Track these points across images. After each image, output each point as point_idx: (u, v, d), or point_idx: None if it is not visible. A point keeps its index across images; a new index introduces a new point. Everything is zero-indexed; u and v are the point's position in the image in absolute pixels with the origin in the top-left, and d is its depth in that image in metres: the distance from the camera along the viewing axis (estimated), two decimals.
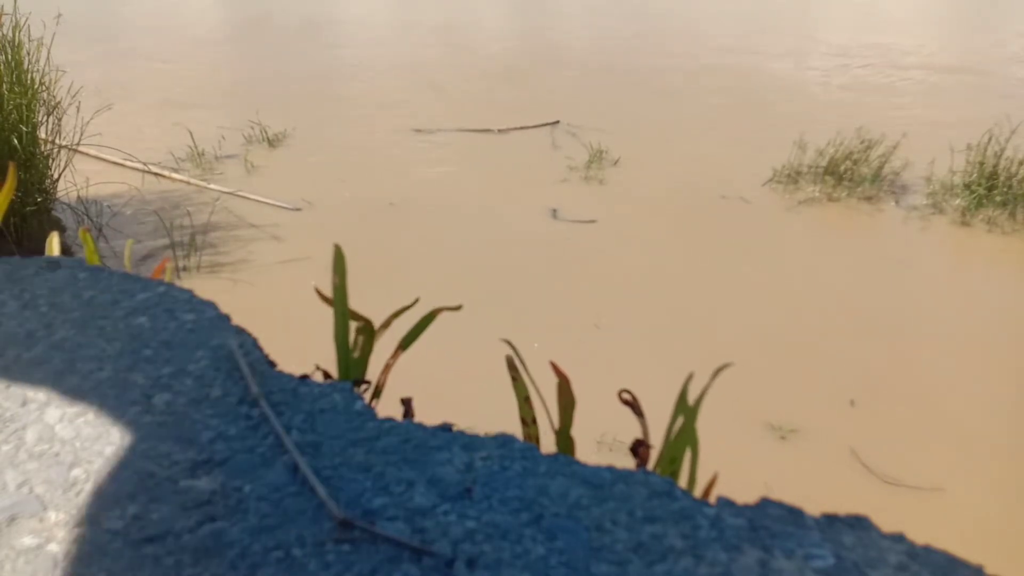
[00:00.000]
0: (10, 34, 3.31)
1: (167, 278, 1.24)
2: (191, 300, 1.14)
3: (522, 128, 5.17)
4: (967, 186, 4.07)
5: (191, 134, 4.63)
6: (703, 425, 1.02)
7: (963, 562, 0.73)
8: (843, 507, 0.79)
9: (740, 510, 0.79)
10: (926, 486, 2.23)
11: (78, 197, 3.76)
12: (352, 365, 1.15)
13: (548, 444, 1.10)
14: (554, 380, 1.14)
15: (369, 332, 1.15)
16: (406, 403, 1.17)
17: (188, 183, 4.22)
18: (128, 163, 4.34)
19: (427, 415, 1.04)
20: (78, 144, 3.64)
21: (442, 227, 3.81)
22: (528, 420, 1.17)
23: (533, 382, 1.18)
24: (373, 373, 1.17)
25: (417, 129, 5.09)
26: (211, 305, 1.13)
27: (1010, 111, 4.62)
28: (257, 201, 4.01)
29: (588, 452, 2.21)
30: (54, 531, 0.78)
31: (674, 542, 0.75)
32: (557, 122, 5.27)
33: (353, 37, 8.14)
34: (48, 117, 3.50)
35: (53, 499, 0.81)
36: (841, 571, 0.71)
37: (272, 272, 3.36)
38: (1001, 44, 8.17)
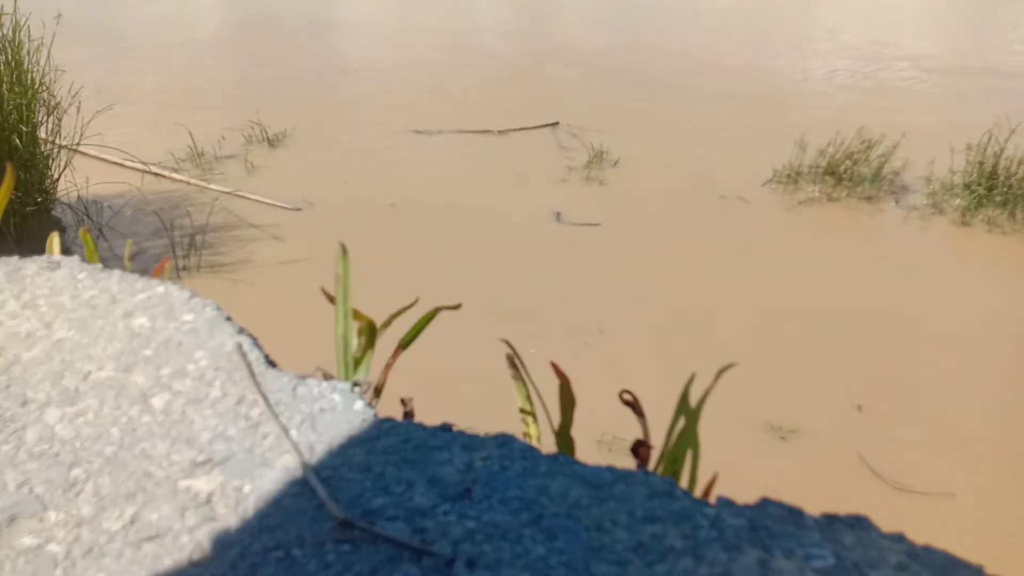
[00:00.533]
0: (10, 34, 3.31)
1: (167, 278, 1.24)
2: (191, 300, 1.14)
3: (522, 129, 5.17)
4: (967, 186, 4.07)
5: (191, 134, 4.63)
6: (704, 425, 1.02)
7: (963, 562, 0.73)
8: (851, 510, 0.79)
9: (740, 510, 0.79)
10: (935, 491, 2.22)
11: (78, 197, 3.76)
12: (352, 365, 1.15)
13: (548, 444, 1.10)
14: (554, 380, 1.14)
15: (370, 332, 1.15)
16: (406, 403, 1.17)
17: (188, 183, 4.22)
18: (128, 163, 4.34)
19: (427, 415, 1.04)
20: (78, 144, 3.64)
21: (443, 228, 3.81)
22: (528, 420, 1.17)
23: (533, 384, 1.18)
24: (374, 373, 1.17)
25: (417, 130, 5.09)
26: (211, 305, 1.13)
27: (1010, 111, 4.62)
28: (257, 201, 4.01)
29: (588, 452, 2.21)
30: (54, 531, 0.78)
31: (674, 542, 0.75)
32: (557, 123, 5.27)
33: (354, 38, 8.15)
34: (48, 117, 3.50)
35: (53, 499, 0.81)
36: (841, 571, 0.71)
37: (272, 272, 3.35)
38: (1001, 44, 8.17)
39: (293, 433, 0.90)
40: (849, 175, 4.28)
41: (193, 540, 0.76)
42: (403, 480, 0.83)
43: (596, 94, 6.17)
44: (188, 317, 1.10)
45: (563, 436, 1.13)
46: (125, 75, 5.90)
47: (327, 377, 1.09)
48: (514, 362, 1.17)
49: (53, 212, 3.67)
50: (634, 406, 1.11)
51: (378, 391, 1.16)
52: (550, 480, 0.83)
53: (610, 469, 0.85)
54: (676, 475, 1.03)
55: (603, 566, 0.73)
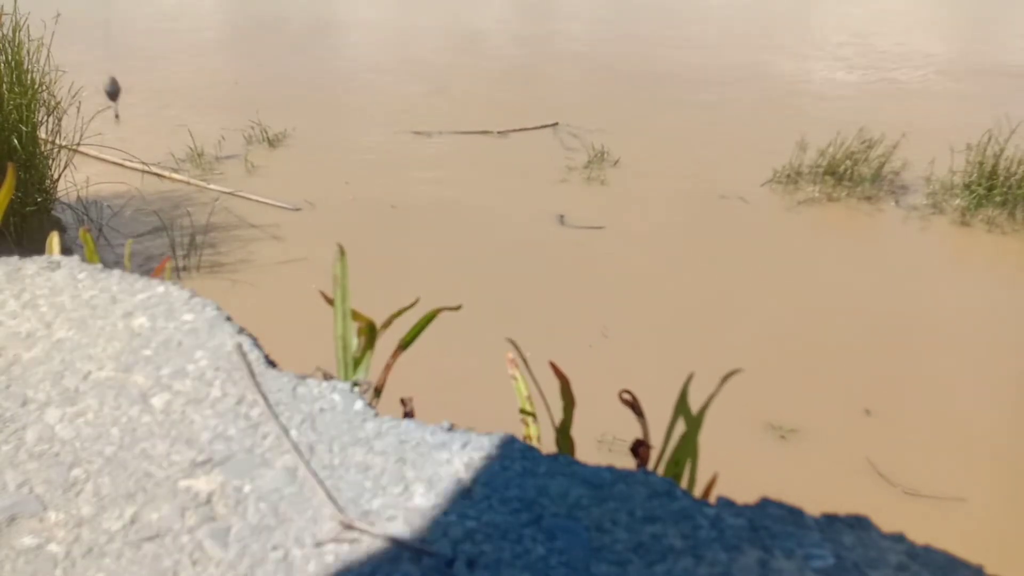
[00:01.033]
0: (10, 34, 3.31)
1: (167, 278, 1.24)
2: (191, 300, 1.14)
3: (522, 130, 5.17)
4: (967, 186, 4.07)
5: (191, 134, 4.63)
6: (709, 427, 1.02)
7: (963, 562, 0.73)
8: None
9: (740, 510, 0.79)
10: (947, 495, 2.20)
11: (78, 197, 3.76)
12: (352, 365, 1.15)
13: (548, 444, 1.10)
14: (554, 381, 1.14)
15: (370, 332, 1.15)
16: (406, 403, 1.17)
17: (188, 183, 4.22)
18: (128, 163, 4.34)
19: (427, 415, 1.04)
20: (78, 144, 3.64)
21: (443, 229, 3.81)
22: (528, 420, 1.17)
23: (536, 383, 1.18)
24: (373, 373, 1.17)
25: (416, 131, 5.09)
26: (211, 305, 1.13)
27: (1010, 111, 4.62)
28: (257, 201, 4.01)
29: (588, 452, 2.21)
30: (54, 531, 0.78)
31: (674, 542, 0.75)
32: (556, 124, 5.26)
33: (354, 39, 8.15)
34: (48, 117, 3.50)
35: (53, 499, 0.81)
36: (841, 571, 0.71)
37: (272, 272, 3.35)
38: (1001, 44, 8.17)
39: (293, 433, 0.90)
40: (849, 175, 4.28)
41: (193, 540, 0.77)
42: (403, 480, 0.83)
43: (596, 94, 6.17)
44: (188, 317, 1.10)
45: (563, 436, 1.13)
46: (125, 76, 5.90)
47: (327, 377, 1.09)
48: (515, 364, 1.17)
49: (53, 212, 3.67)
50: (634, 406, 1.11)
51: (378, 391, 1.16)
52: (550, 480, 0.83)
53: (610, 469, 0.85)
54: (676, 475, 1.03)
55: (603, 566, 0.73)
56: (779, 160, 4.42)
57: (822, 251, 3.75)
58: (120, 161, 4.36)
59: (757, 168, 4.46)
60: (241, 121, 5.00)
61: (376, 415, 0.94)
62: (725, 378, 1.01)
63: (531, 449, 0.89)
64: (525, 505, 0.80)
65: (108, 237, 3.60)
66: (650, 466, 1.07)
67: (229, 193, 4.09)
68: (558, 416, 1.14)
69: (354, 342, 1.16)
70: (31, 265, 1.25)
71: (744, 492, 0.84)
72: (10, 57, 3.31)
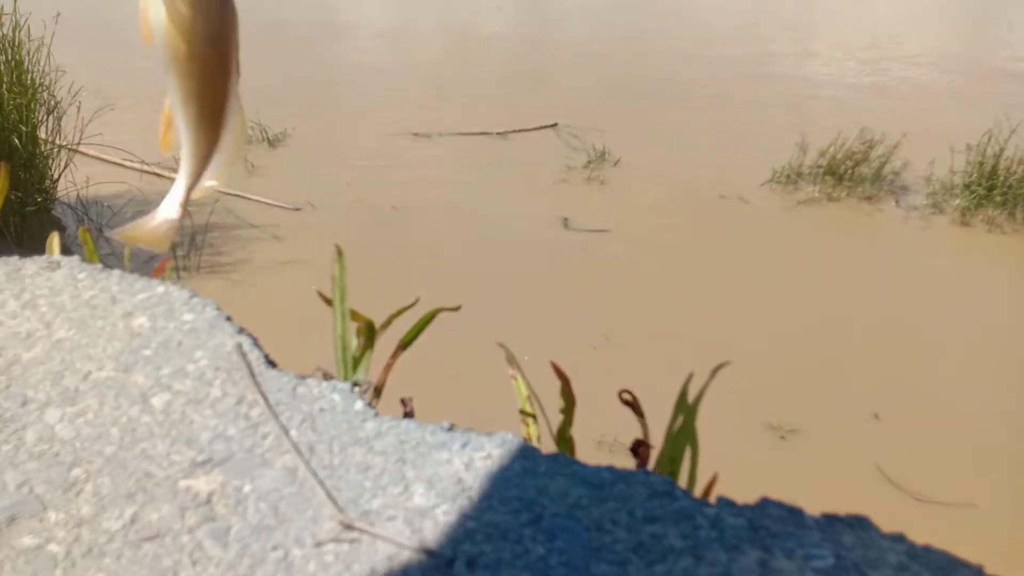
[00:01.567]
0: (10, 34, 3.31)
1: (167, 278, 1.24)
2: (191, 300, 1.14)
3: (521, 131, 5.17)
4: (967, 186, 4.07)
5: None
6: (706, 425, 1.02)
7: (963, 562, 0.73)
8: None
9: (740, 510, 0.79)
10: (959, 501, 2.19)
11: (78, 197, 3.76)
12: (352, 365, 1.15)
13: (548, 444, 1.10)
14: (554, 381, 1.14)
15: (369, 332, 1.15)
16: (406, 403, 1.17)
17: None
18: (128, 163, 4.34)
19: (427, 415, 1.04)
20: (78, 144, 3.64)
21: (444, 230, 3.81)
22: (528, 420, 1.17)
23: (535, 382, 1.18)
24: (373, 373, 1.17)
25: (415, 133, 5.09)
26: (211, 305, 1.13)
27: (1010, 111, 4.62)
28: (257, 201, 4.01)
29: (588, 452, 2.21)
30: (54, 531, 0.78)
31: (674, 542, 0.75)
32: (555, 124, 5.26)
33: (354, 40, 8.14)
34: (48, 117, 3.49)
35: (53, 499, 0.81)
36: (841, 571, 0.71)
37: (272, 272, 3.35)
38: (1001, 44, 8.17)
39: (293, 433, 0.90)
40: (850, 175, 4.28)
41: (193, 540, 0.77)
42: (403, 480, 0.83)
43: (595, 95, 6.17)
44: (188, 317, 1.10)
45: (563, 436, 1.13)
46: (126, 76, 5.90)
47: (327, 377, 1.09)
48: (515, 364, 1.17)
49: (53, 212, 3.67)
50: (633, 406, 1.11)
51: (378, 391, 1.16)
52: (550, 480, 0.83)
53: (610, 469, 0.85)
54: (673, 470, 1.03)
55: (603, 566, 0.73)
56: (779, 160, 4.42)
57: (823, 251, 3.75)
58: (120, 161, 4.36)
59: (757, 168, 4.46)
60: None
61: (376, 415, 0.94)
62: (715, 371, 1.01)
63: (531, 449, 0.89)
64: (525, 505, 0.80)
65: (108, 237, 3.60)
66: (650, 466, 1.07)
67: (229, 193, 4.09)
68: (558, 416, 1.14)
69: (353, 342, 1.16)
70: (31, 265, 1.25)
71: (746, 493, 0.84)
72: (10, 57, 3.31)
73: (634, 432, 1.10)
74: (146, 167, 4.32)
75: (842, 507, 0.79)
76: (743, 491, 0.85)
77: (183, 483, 0.83)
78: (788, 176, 4.35)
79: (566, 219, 3.83)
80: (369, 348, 1.16)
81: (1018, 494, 2.24)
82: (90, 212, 3.76)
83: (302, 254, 3.50)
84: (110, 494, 0.82)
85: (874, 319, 3.11)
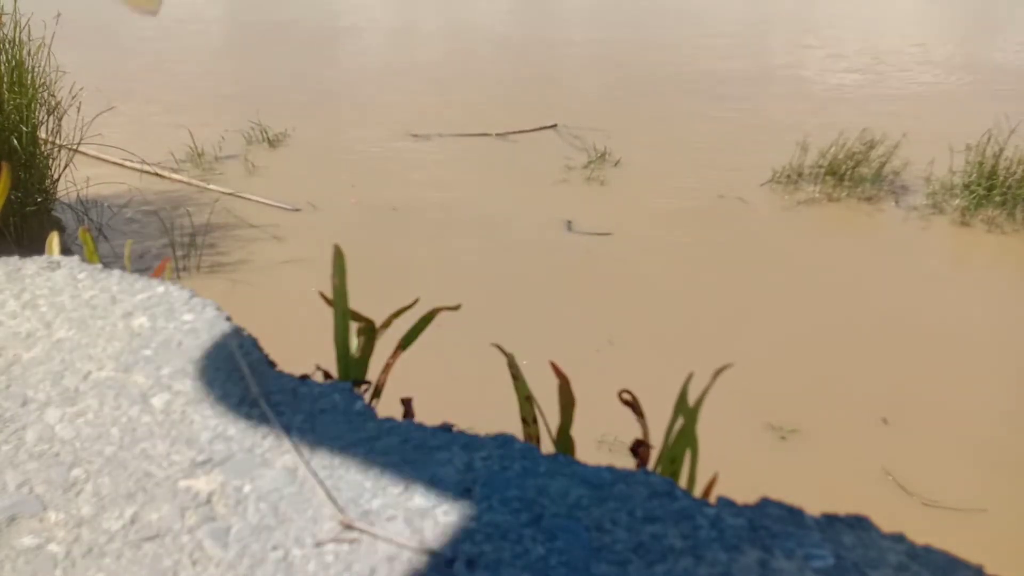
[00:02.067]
0: (11, 34, 3.31)
1: (167, 278, 1.24)
2: (191, 300, 1.14)
3: (520, 132, 5.17)
4: (967, 186, 4.07)
5: (191, 134, 4.63)
6: (707, 426, 1.02)
7: (963, 562, 0.73)
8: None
9: (740, 510, 0.79)
10: (968, 507, 2.18)
11: (78, 197, 3.76)
12: (352, 365, 1.15)
13: (548, 444, 1.10)
14: (554, 381, 1.14)
15: (370, 332, 1.15)
16: (406, 403, 1.17)
17: (188, 183, 4.22)
18: (128, 163, 4.34)
19: (427, 415, 1.04)
20: (78, 144, 3.64)
21: (444, 231, 3.81)
22: (528, 420, 1.17)
23: (531, 382, 1.18)
24: (373, 373, 1.17)
25: (414, 134, 5.09)
26: (211, 305, 1.13)
27: (1010, 111, 4.62)
28: (257, 202, 4.01)
29: (588, 452, 2.21)
30: (54, 531, 0.78)
31: (674, 542, 0.75)
32: (555, 125, 5.26)
33: (353, 42, 8.14)
34: (49, 117, 3.50)
35: (53, 499, 0.81)
36: (841, 571, 0.71)
37: (272, 272, 3.35)
38: (1001, 44, 8.17)
39: (293, 433, 0.90)
40: (850, 175, 4.28)
41: (193, 540, 0.77)
42: (403, 480, 0.83)
43: (595, 95, 6.17)
44: (188, 317, 1.10)
45: (563, 436, 1.13)
46: (126, 76, 5.91)
47: (327, 377, 1.09)
48: (515, 364, 1.17)
49: (53, 212, 3.67)
50: (633, 406, 1.11)
51: (378, 391, 1.16)
52: (550, 480, 0.83)
53: (610, 469, 0.85)
54: (676, 475, 1.03)
55: (603, 566, 0.73)
56: (779, 160, 4.42)
57: (823, 251, 3.75)
58: (120, 161, 4.36)
59: (757, 168, 4.46)
60: (241, 122, 5.00)
61: (376, 415, 0.94)
62: (717, 373, 1.01)
63: (531, 449, 0.89)
64: (525, 505, 0.80)
65: (108, 237, 3.60)
66: (650, 466, 1.07)
67: (229, 193, 4.09)
68: (558, 416, 1.14)
69: (354, 342, 1.16)
70: (31, 265, 1.25)
71: (746, 493, 0.84)
72: (10, 57, 3.31)
73: (634, 432, 1.10)
74: (146, 167, 4.32)
75: (843, 507, 0.79)
76: (743, 491, 0.85)
77: (183, 483, 0.83)
78: (788, 176, 4.35)
79: (569, 222, 3.83)
80: (369, 348, 1.16)
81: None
82: (90, 212, 3.76)
83: (302, 254, 3.50)
84: (110, 494, 0.82)
85: (874, 319, 3.11)
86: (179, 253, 3.44)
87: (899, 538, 0.75)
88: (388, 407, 1.06)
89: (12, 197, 3.24)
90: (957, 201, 4.06)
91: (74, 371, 1.00)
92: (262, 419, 0.92)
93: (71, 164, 3.67)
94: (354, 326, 1.16)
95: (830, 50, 7.73)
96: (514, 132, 5.17)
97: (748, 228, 3.90)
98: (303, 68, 6.82)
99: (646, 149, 4.88)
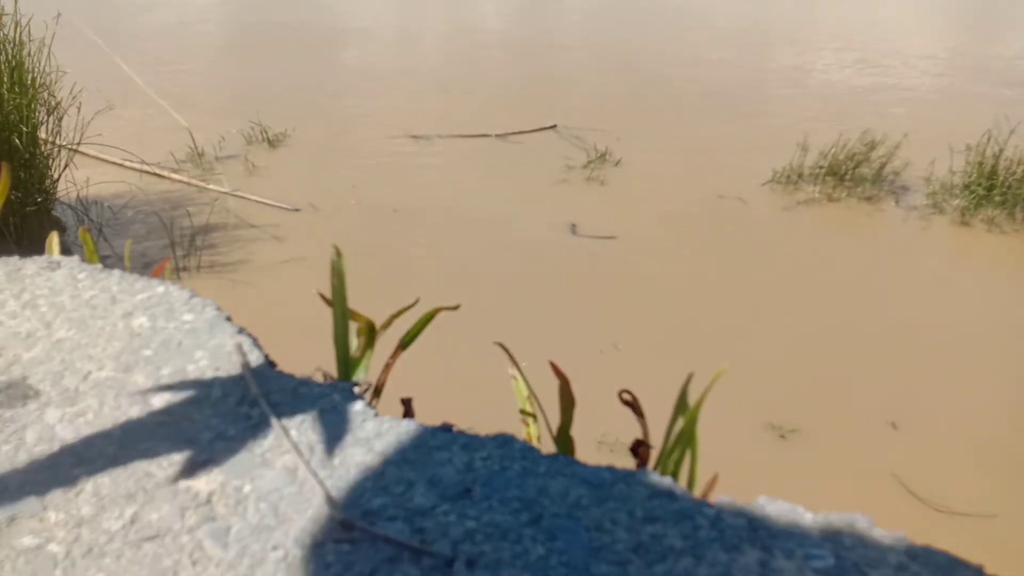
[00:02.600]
0: (11, 34, 3.30)
1: (167, 278, 1.24)
2: (191, 300, 1.14)
3: (520, 133, 5.16)
4: (967, 186, 4.07)
5: (191, 135, 4.63)
6: (710, 428, 1.02)
7: (963, 562, 0.73)
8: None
9: (740, 510, 0.79)
10: (979, 512, 2.17)
11: (78, 197, 3.76)
12: (352, 365, 1.15)
13: (548, 444, 1.10)
14: (554, 381, 1.14)
15: (369, 332, 1.15)
16: (406, 403, 1.17)
17: (188, 183, 4.22)
18: (128, 163, 4.34)
19: (427, 415, 1.04)
20: (78, 144, 3.64)
21: (445, 232, 3.81)
22: (528, 420, 1.17)
23: (531, 382, 1.18)
24: (373, 373, 1.17)
25: (414, 135, 5.09)
26: (211, 305, 1.13)
27: (1009, 111, 4.62)
28: (257, 202, 4.01)
29: (588, 452, 2.21)
30: (54, 531, 0.78)
31: (674, 542, 0.75)
32: (555, 126, 5.26)
33: (353, 43, 8.14)
34: (49, 117, 3.49)
35: (53, 499, 0.81)
36: (841, 571, 0.71)
37: (272, 272, 3.35)
38: (1001, 44, 8.17)
39: (293, 433, 0.90)
40: (850, 176, 4.28)
41: (193, 540, 0.77)
42: (403, 480, 0.83)
43: (595, 95, 6.17)
44: (188, 317, 1.10)
45: (563, 436, 1.13)
46: (126, 77, 5.90)
47: (327, 377, 1.09)
48: (515, 363, 1.17)
49: (53, 212, 3.67)
50: (633, 406, 1.11)
51: (378, 391, 1.16)
52: (550, 480, 0.83)
53: (610, 469, 0.85)
54: (676, 475, 1.03)
55: (603, 566, 0.73)
56: (779, 160, 4.42)
57: (823, 251, 3.75)
58: (120, 161, 4.36)
59: (757, 168, 4.46)
60: (241, 122, 5.01)
61: (376, 415, 0.94)
62: (716, 376, 1.01)
63: (531, 449, 0.89)
64: (525, 505, 0.80)
65: (108, 237, 3.60)
66: (650, 466, 1.07)
67: (229, 193, 4.09)
68: (558, 417, 1.14)
69: (353, 342, 1.16)
70: (31, 265, 1.25)
71: (746, 493, 0.84)
72: (10, 57, 3.31)
73: (634, 432, 1.10)
74: (146, 167, 4.31)
75: (845, 507, 0.79)
76: (743, 491, 0.85)
77: (183, 483, 0.83)
78: (788, 177, 4.35)
79: (573, 225, 3.82)
80: (369, 348, 1.16)
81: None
82: (90, 212, 3.76)
83: (302, 254, 3.50)
84: (110, 494, 0.82)
85: (873, 318, 3.11)
86: (179, 253, 3.44)
87: (899, 538, 0.75)
88: (388, 407, 1.06)
89: (12, 197, 3.23)
90: (957, 201, 4.06)
91: (74, 371, 1.00)
92: (262, 419, 0.92)
93: (71, 164, 3.67)
94: (354, 326, 1.16)
95: (830, 50, 7.73)
96: (514, 133, 5.16)
97: (748, 228, 3.90)
98: (302, 68, 6.82)
99: (646, 149, 4.88)
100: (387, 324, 1.20)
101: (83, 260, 1.28)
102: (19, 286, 1.19)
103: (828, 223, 4.03)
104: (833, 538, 0.75)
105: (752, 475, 2.20)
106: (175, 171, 4.35)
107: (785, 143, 4.54)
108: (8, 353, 1.03)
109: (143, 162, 4.33)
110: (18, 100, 3.30)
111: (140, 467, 0.85)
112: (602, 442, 2.30)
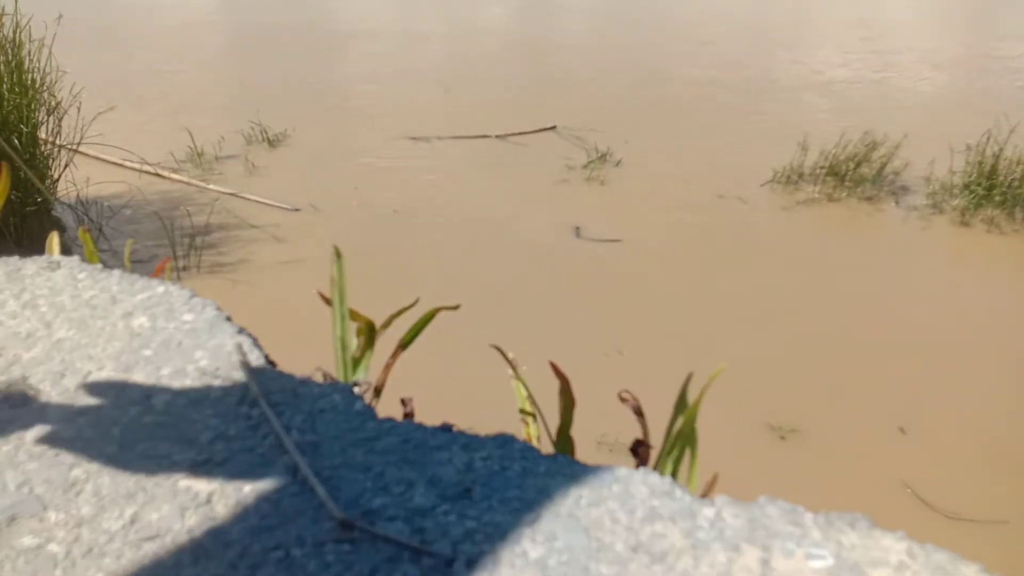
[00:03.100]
0: (11, 34, 3.31)
1: (167, 278, 1.24)
2: (191, 300, 1.14)
3: (520, 134, 5.16)
4: (966, 186, 4.07)
5: (191, 135, 4.63)
6: (710, 428, 1.02)
7: (963, 560, 0.73)
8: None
9: (740, 510, 0.79)
10: (990, 518, 2.15)
11: (78, 197, 3.76)
12: (352, 365, 1.15)
13: (548, 444, 1.10)
14: (554, 381, 1.14)
15: (369, 333, 1.16)
16: (406, 403, 1.17)
17: (188, 183, 4.22)
18: (128, 163, 4.34)
19: (427, 415, 1.04)
20: (78, 144, 3.64)
21: (445, 233, 3.81)
22: (528, 420, 1.17)
23: (529, 383, 1.18)
24: (374, 374, 1.17)
25: (414, 137, 5.09)
26: (211, 305, 1.13)
27: (1009, 111, 4.62)
28: (256, 202, 4.01)
29: (588, 452, 2.21)
30: (54, 531, 0.78)
31: (674, 542, 0.75)
32: (555, 127, 5.26)
33: (355, 45, 8.14)
34: (49, 117, 3.49)
35: (53, 499, 0.81)
36: (841, 571, 0.71)
37: (272, 272, 3.35)
38: (1001, 44, 8.17)
39: (293, 433, 0.90)
40: (851, 176, 4.28)
41: (193, 540, 0.77)
42: (403, 480, 0.83)
43: (596, 96, 6.17)
44: (188, 317, 1.10)
45: (563, 436, 1.13)
46: (126, 77, 5.91)
47: (327, 377, 1.09)
48: (515, 364, 1.17)
49: (53, 212, 3.67)
50: (633, 406, 1.11)
51: (378, 391, 1.16)
52: (550, 480, 0.83)
53: (610, 469, 0.85)
54: (675, 475, 1.03)
55: (603, 566, 0.73)
56: (779, 160, 4.42)
57: (823, 252, 3.75)
58: (120, 161, 4.36)
59: (757, 168, 4.46)
60: (241, 122, 5.00)
61: (376, 415, 0.94)
62: (713, 376, 1.01)
63: (531, 449, 0.89)
64: (525, 505, 0.80)
65: (108, 237, 3.60)
66: (650, 466, 1.07)
67: (229, 193, 4.09)
68: (558, 417, 1.14)
69: (353, 343, 1.16)
70: (31, 265, 1.25)
71: (746, 493, 0.84)
72: (11, 57, 3.31)
73: (634, 432, 1.10)
74: (146, 167, 4.31)
75: (846, 508, 0.80)
76: (743, 491, 0.85)
77: (183, 483, 0.83)
78: (788, 177, 4.35)
79: (577, 228, 3.81)
80: (369, 349, 1.16)
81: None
82: (90, 212, 3.76)
83: (302, 254, 3.50)
84: (110, 494, 0.82)
85: (874, 318, 3.11)
86: (179, 253, 3.44)
87: (899, 537, 0.75)
88: (388, 407, 1.06)
89: (12, 197, 3.24)
90: (957, 201, 4.06)
91: (74, 371, 1.00)
92: (262, 419, 0.92)
93: (71, 164, 3.67)
94: (354, 326, 1.16)
95: (831, 50, 7.73)
96: (514, 134, 5.16)
97: (748, 228, 3.90)
98: (302, 69, 6.82)
99: (647, 149, 4.88)
100: (387, 324, 1.20)
101: (83, 260, 1.28)
102: (19, 286, 1.19)
103: (828, 223, 4.03)
104: (833, 538, 0.75)
105: (752, 475, 2.21)
106: (175, 171, 4.35)
107: (785, 143, 4.54)
108: (8, 353, 1.03)
109: (143, 162, 4.33)
110: (18, 100, 3.30)
111: (140, 467, 0.85)
112: (602, 442, 2.30)
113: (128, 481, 0.83)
